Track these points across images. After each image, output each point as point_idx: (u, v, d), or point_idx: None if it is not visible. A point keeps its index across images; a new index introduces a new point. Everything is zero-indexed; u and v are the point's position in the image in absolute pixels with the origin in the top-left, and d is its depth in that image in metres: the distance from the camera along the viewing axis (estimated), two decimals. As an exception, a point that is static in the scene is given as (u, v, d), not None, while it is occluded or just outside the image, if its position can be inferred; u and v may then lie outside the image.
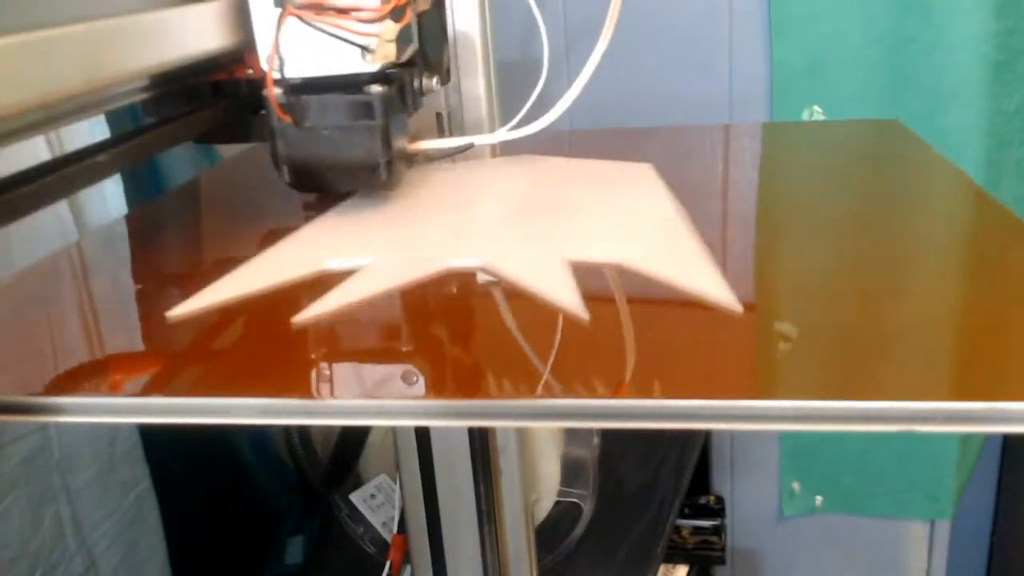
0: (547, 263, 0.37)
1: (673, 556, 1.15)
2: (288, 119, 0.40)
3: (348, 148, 0.41)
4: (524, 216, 0.43)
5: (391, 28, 0.39)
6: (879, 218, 0.44)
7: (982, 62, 0.96)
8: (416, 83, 0.45)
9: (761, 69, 1.05)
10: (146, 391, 0.30)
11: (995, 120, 1.00)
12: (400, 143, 0.43)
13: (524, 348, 0.32)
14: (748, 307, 0.34)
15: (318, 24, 0.39)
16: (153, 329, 0.36)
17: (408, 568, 0.66)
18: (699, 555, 1.18)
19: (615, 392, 0.27)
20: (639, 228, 0.41)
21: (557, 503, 0.82)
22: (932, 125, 1.00)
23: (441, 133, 0.59)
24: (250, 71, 0.43)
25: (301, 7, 0.39)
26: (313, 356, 0.32)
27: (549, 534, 0.83)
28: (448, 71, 0.53)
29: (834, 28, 1.00)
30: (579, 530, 0.84)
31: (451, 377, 0.31)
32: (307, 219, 0.44)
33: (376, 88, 0.40)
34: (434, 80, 0.47)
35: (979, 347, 0.30)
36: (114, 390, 0.31)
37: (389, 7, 0.39)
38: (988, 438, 1.20)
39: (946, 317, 0.33)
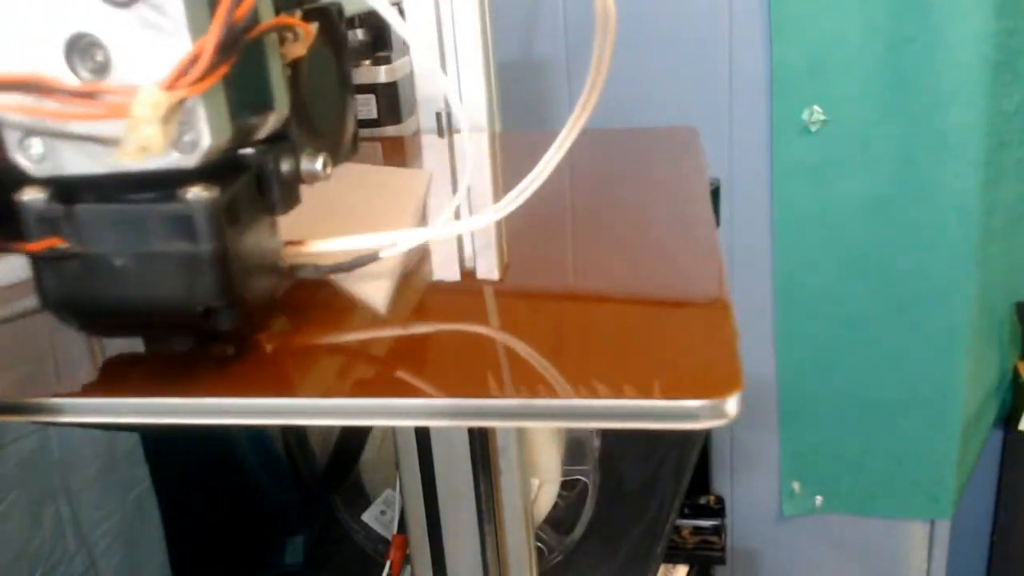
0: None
1: (673, 556, 1.15)
2: (54, 243, 0.26)
3: (161, 288, 0.27)
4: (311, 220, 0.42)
5: (148, 102, 0.24)
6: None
7: (982, 62, 0.97)
8: (287, 167, 0.30)
9: (761, 69, 1.05)
10: (145, 391, 0.30)
11: (995, 120, 1.00)
12: (261, 261, 0.30)
13: (527, 349, 0.32)
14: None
15: (10, 119, 0.25)
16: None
17: (408, 568, 0.66)
18: (699, 555, 1.18)
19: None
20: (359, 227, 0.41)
21: (557, 503, 0.82)
22: (932, 125, 1.00)
23: (440, 134, 0.59)
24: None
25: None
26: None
27: (550, 533, 0.83)
28: (355, 139, 0.38)
29: (834, 28, 1.00)
30: (579, 530, 0.84)
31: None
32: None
33: (198, 193, 0.26)
34: (318, 161, 0.31)
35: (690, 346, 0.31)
36: (114, 390, 0.31)
37: (176, 72, 0.24)
38: (989, 438, 1.20)
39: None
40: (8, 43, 0.25)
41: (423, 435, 0.57)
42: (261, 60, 0.29)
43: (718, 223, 0.54)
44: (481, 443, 0.57)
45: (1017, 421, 1.16)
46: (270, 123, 0.29)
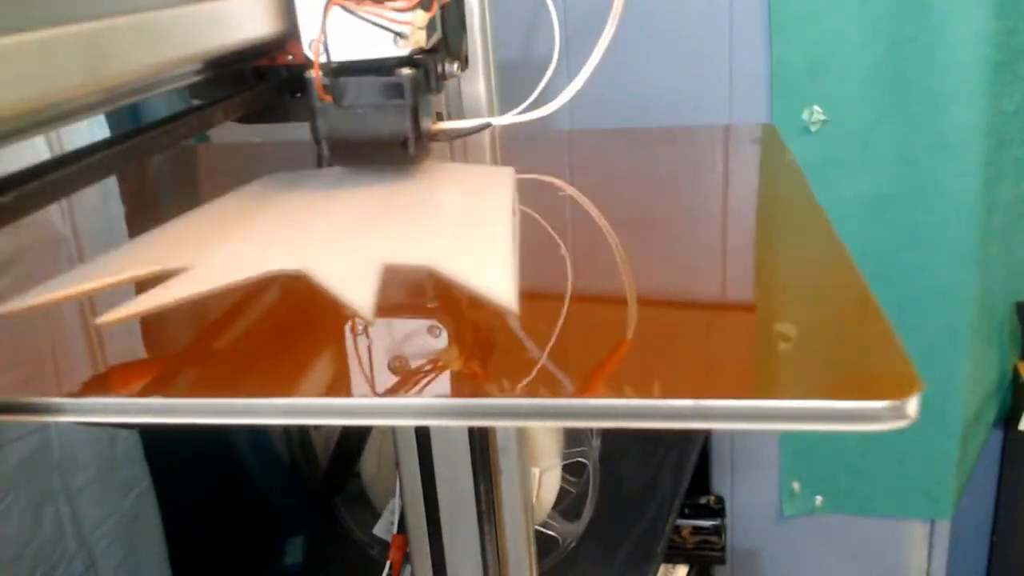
0: (359, 267, 0.38)
1: (673, 556, 1.15)
2: (328, 99, 0.44)
3: (381, 125, 0.45)
4: (362, 222, 0.44)
5: (421, 16, 0.43)
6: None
7: (982, 62, 0.97)
8: (439, 68, 0.49)
9: (761, 69, 1.05)
10: (146, 391, 0.30)
11: (995, 120, 1.00)
12: (426, 121, 0.47)
13: (529, 348, 0.32)
14: (747, 307, 0.34)
15: (358, 12, 0.43)
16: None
17: (408, 568, 0.66)
18: (699, 555, 1.18)
19: (586, 390, 0.28)
20: (460, 233, 0.42)
21: (556, 502, 0.82)
22: (932, 125, 1.00)
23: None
24: (290, 57, 0.47)
25: None
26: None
27: (560, 521, 0.83)
28: (466, 58, 0.57)
29: (834, 28, 1.00)
30: (565, 547, 0.84)
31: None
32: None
33: (406, 71, 0.44)
34: (455, 66, 0.52)
35: (857, 347, 0.30)
36: (114, 390, 0.31)
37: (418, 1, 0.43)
38: (989, 438, 1.20)
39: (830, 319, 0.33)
40: None
41: (423, 435, 0.57)
42: (434, 4, 0.47)
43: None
44: (481, 443, 0.57)
45: (1017, 421, 1.16)
46: (434, 39, 0.48)
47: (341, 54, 0.44)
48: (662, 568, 1.00)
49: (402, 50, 0.44)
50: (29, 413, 0.30)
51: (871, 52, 1.00)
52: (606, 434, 0.92)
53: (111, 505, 0.78)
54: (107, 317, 0.33)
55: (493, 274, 0.37)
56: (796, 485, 1.22)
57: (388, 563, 0.69)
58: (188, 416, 0.29)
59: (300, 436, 0.78)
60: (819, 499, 1.23)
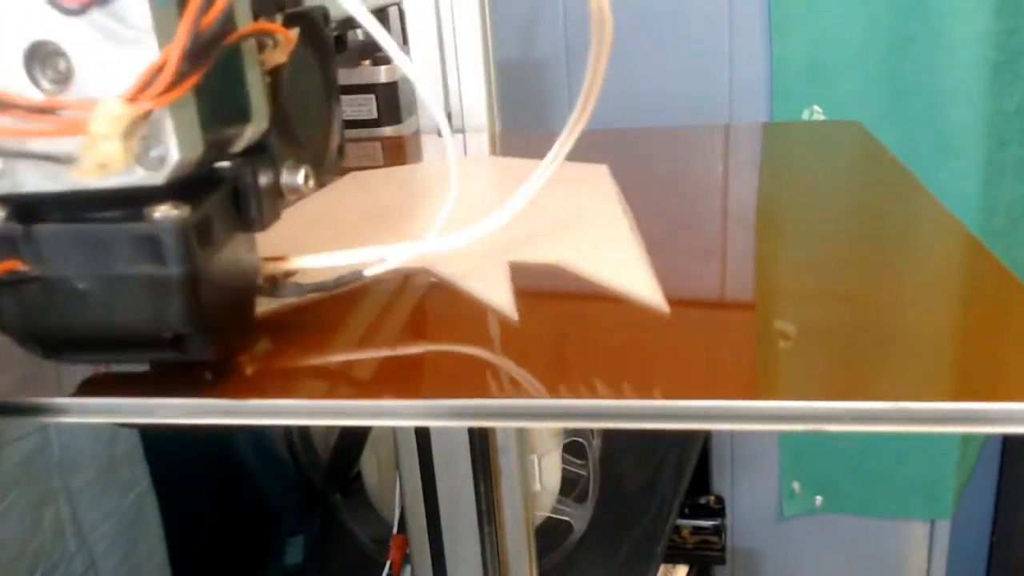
0: (488, 265, 0.37)
1: (673, 556, 1.15)
2: (14, 266, 0.25)
3: (124, 312, 0.25)
4: (473, 218, 0.43)
5: (107, 115, 0.22)
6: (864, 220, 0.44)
7: (982, 62, 0.97)
8: (265, 181, 0.28)
9: (761, 69, 1.05)
10: (146, 391, 0.30)
11: (995, 120, 1.00)
12: (237, 281, 0.28)
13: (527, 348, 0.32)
14: (746, 306, 0.34)
15: None
16: None
17: (408, 568, 0.66)
18: (699, 555, 1.18)
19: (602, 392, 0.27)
20: (580, 230, 0.41)
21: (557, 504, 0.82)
22: (932, 125, 1.00)
23: (440, 133, 0.59)
24: None
25: None
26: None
27: (549, 534, 0.83)
28: (341, 150, 0.36)
29: (834, 28, 1.00)
30: (579, 531, 0.84)
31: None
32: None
33: (166, 212, 0.24)
34: (300, 174, 0.29)
35: (976, 347, 0.30)
36: (114, 390, 0.31)
37: (138, 84, 0.22)
38: (988, 438, 1.20)
39: (943, 318, 0.33)
40: None
41: (423, 435, 0.57)
42: (237, 68, 0.27)
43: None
44: (481, 443, 0.57)
45: (1017, 421, 1.16)
46: (248, 135, 0.28)
47: (35, 182, 0.24)
48: (662, 568, 1.00)
49: (156, 172, 0.23)
50: (29, 413, 0.30)
51: (871, 52, 1.00)
52: (606, 434, 0.92)
53: (111, 505, 0.78)
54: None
55: (631, 272, 0.35)
56: (796, 485, 1.22)
57: (388, 563, 0.69)
58: (189, 416, 0.29)
59: (300, 436, 0.78)
60: (819, 499, 1.23)
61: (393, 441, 0.61)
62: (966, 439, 1.14)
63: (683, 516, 1.16)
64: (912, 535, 1.22)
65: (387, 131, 0.65)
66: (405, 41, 0.59)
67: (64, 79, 0.23)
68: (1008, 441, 1.18)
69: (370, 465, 0.78)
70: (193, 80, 0.23)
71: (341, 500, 0.81)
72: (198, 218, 0.25)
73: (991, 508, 1.22)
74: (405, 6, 0.58)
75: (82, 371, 0.32)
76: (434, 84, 0.58)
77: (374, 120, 0.65)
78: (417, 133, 0.64)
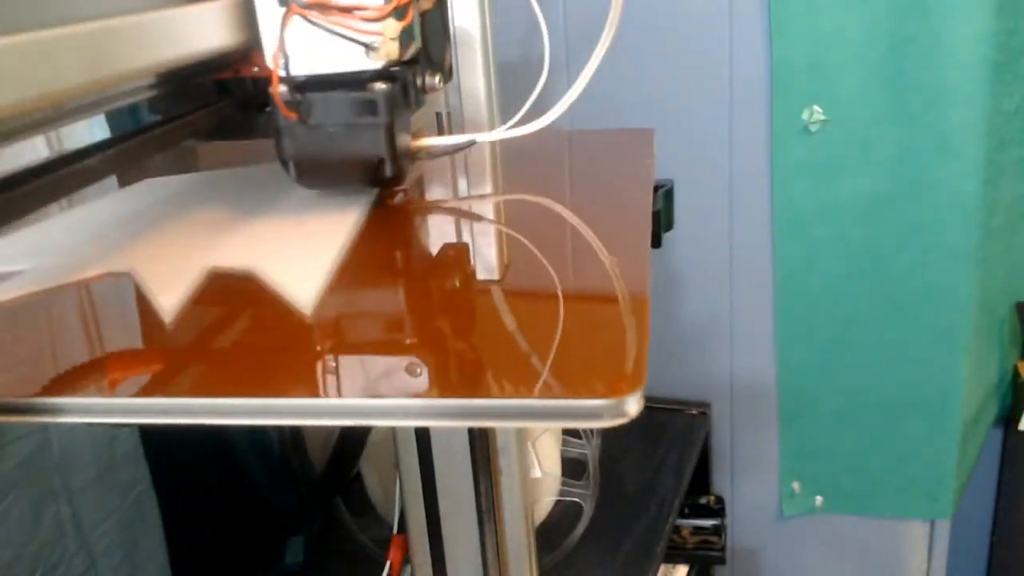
0: (180, 270, 0.39)
1: (673, 556, 1.15)
2: (293, 116, 0.40)
3: (354, 145, 0.41)
4: (208, 228, 0.45)
5: (394, 26, 0.39)
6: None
7: (982, 62, 0.96)
8: (419, 81, 0.45)
9: (761, 69, 1.05)
10: (146, 391, 0.30)
11: (995, 120, 1.00)
12: (404, 139, 0.43)
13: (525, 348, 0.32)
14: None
15: (322, 23, 0.39)
16: None
17: (408, 568, 0.66)
18: (699, 555, 1.18)
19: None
20: (289, 241, 0.44)
21: (557, 503, 0.82)
22: (932, 125, 1.00)
23: (441, 133, 0.59)
24: (255, 69, 0.44)
25: (306, 6, 0.39)
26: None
27: (549, 534, 0.83)
28: (450, 69, 0.53)
29: (834, 28, 1.00)
30: (579, 530, 0.84)
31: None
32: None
33: (380, 86, 0.40)
34: (436, 78, 0.47)
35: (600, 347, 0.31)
36: (115, 390, 0.31)
37: (392, 6, 0.39)
38: (988, 438, 1.20)
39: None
40: None
41: (423, 435, 0.57)
42: (410, 11, 0.42)
43: (671, 224, 0.58)
44: (481, 443, 0.57)
45: (1017, 421, 1.16)
46: (411, 50, 0.44)
47: (307, 67, 0.40)
48: (662, 568, 1.00)
49: (375, 63, 0.40)
50: (29, 413, 0.30)
51: (871, 52, 1.00)
52: (606, 434, 0.93)
53: (111, 505, 0.78)
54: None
55: (302, 279, 0.38)
56: (796, 485, 1.22)
57: (388, 563, 0.69)
58: (188, 416, 0.29)
59: (300, 436, 0.78)
60: (819, 499, 1.23)
61: (393, 441, 0.61)
62: (966, 439, 1.14)
63: (683, 516, 1.16)
64: (912, 535, 1.22)
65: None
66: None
67: None
68: (1008, 441, 1.18)
69: (370, 465, 0.78)
70: (411, 13, 0.41)
71: (341, 500, 0.81)
72: (394, 92, 0.41)
73: (991, 508, 1.22)
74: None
75: (81, 371, 0.32)
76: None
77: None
78: (417, 133, 0.64)
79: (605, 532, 0.89)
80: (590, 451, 0.83)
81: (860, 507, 1.21)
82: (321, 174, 0.43)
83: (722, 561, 1.19)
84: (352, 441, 0.77)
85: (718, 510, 1.21)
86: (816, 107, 1.03)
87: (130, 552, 0.80)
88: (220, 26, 0.40)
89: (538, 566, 0.64)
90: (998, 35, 0.96)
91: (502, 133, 0.47)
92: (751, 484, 1.26)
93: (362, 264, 0.42)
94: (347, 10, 0.39)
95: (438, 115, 0.57)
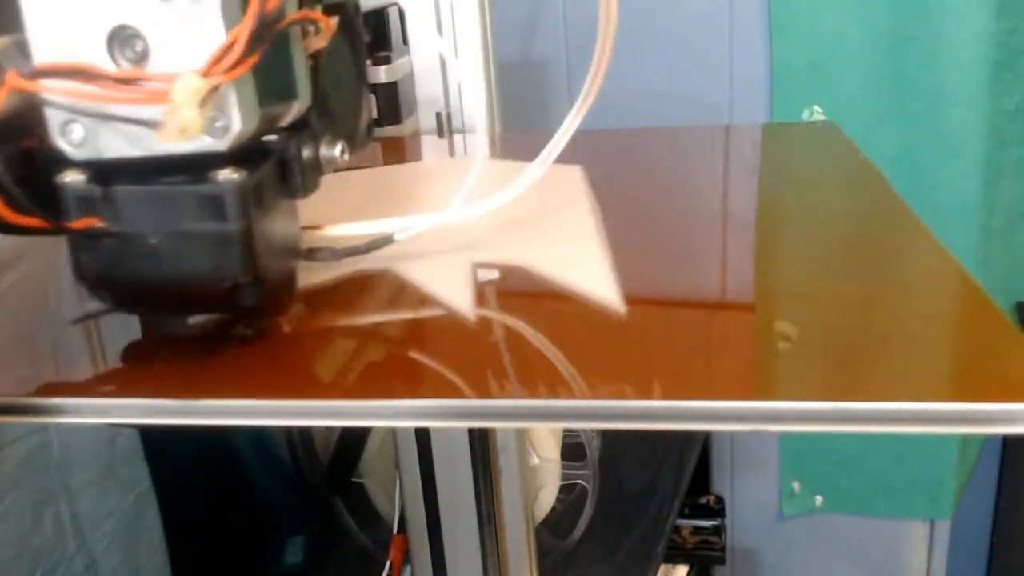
0: (451, 265, 0.37)
1: (673, 556, 1.15)
2: (92, 222, 0.28)
3: (191, 264, 0.29)
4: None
5: (187, 88, 0.25)
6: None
7: (982, 62, 0.96)
8: (308, 153, 0.32)
9: (761, 69, 1.05)
10: (146, 392, 0.30)
11: (995, 120, 1.00)
12: (283, 242, 0.32)
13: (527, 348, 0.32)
14: (746, 307, 0.34)
15: (58, 101, 0.27)
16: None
17: (408, 568, 0.66)
18: (699, 555, 1.18)
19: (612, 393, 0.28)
20: (546, 231, 0.41)
21: (559, 501, 0.82)
22: (932, 125, 1.00)
23: (440, 133, 0.59)
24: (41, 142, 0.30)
25: (34, 75, 0.26)
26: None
27: (549, 534, 0.83)
28: (370, 128, 0.40)
29: (834, 28, 1.00)
30: (579, 530, 0.84)
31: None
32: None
33: (228, 175, 0.28)
34: (337, 148, 0.33)
35: (978, 349, 0.30)
36: (114, 390, 0.31)
37: (212, 60, 0.26)
38: (987, 438, 1.20)
39: (943, 320, 0.33)
40: (54, 35, 0.27)
41: (423, 435, 0.57)
42: (286, 52, 0.30)
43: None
44: (481, 443, 0.57)
45: (1017, 421, 1.16)
46: (293, 112, 0.31)
47: (114, 148, 0.27)
48: (662, 568, 1.00)
49: (220, 140, 0.27)
50: (29, 413, 0.30)
51: (871, 52, 1.00)
52: (606, 434, 0.92)
53: (111, 505, 0.78)
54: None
55: (592, 273, 0.36)
56: (796, 485, 1.22)
57: (388, 563, 0.69)
58: (188, 416, 0.29)
59: (301, 436, 0.78)
60: (819, 499, 1.23)
61: (393, 441, 0.61)
62: (966, 439, 1.14)
63: (683, 516, 1.16)
64: (912, 535, 1.22)
65: (388, 131, 0.65)
66: (405, 41, 0.59)
67: (140, 58, 0.27)
68: (1008, 441, 1.18)
69: (370, 465, 0.78)
70: (255, 59, 0.26)
71: (341, 500, 0.81)
72: (254, 182, 0.28)
73: (991, 508, 1.22)
74: (405, 6, 0.58)
75: (81, 371, 0.32)
76: (434, 84, 0.58)
77: (375, 120, 0.65)
78: (417, 133, 0.64)
79: (605, 532, 0.89)
80: (590, 465, 0.83)
81: (860, 507, 1.21)
82: (146, 302, 0.31)
83: (722, 561, 1.19)
84: (352, 441, 0.77)
85: (718, 510, 1.21)
86: (816, 107, 1.03)
87: (130, 552, 0.80)
88: None
89: (538, 566, 0.64)
90: (998, 35, 0.96)
91: (445, 216, 0.37)
92: (751, 484, 1.26)
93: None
94: (135, 64, 0.26)
95: (438, 115, 0.57)
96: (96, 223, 0.28)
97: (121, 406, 0.29)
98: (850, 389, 0.27)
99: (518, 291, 0.36)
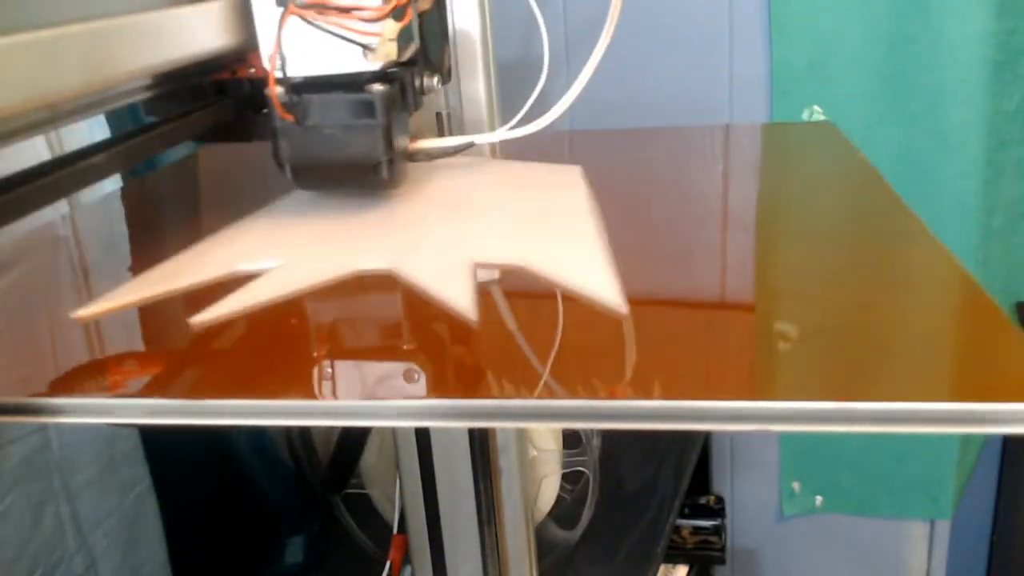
0: (451, 266, 0.38)
1: (673, 556, 1.15)
2: (290, 118, 0.40)
3: (350, 147, 0.41)
4: (441, 219, 0.44)
5: (392, 27, 0.39)
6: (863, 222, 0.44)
7: (982, 62, 0.96)
8: (417, 82, 0.45)
9: (761, 69, 1.05)
10: (146, 392, 0.30)
11: (995, 120, 1.00)
12: (402, 141, 0.43)
13: (525, 349, 0.32)
14: (746, 307, 0.34)
15: (320, 23, 0.39)
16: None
17: (408, 568, 0.66)
18: (699, 555, 1.18)
19: (612, 393, 0.27)
20: (546, 231, 0.42)
21: (559, 500, 0.82)
22: (932, 125, 1.00)
23: (441, 133, 0.59)
24: (252, 70, 0.44)
25: (303, 6, 0.38)
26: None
27: (549, 534, 0.83)
28: (449, 70, 0.53)
29: (834, 28, 1.00)
30: (579, 530, 0.84)
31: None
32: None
33: (377, 87, 0.40)
34: (435, 79, 0.47)
35: (978, 349, 0.30)
36: (114, 390, 0.31)
37: (390, 6, 0.39)
38: (988, 438, 1.20)
39: (942, 319, 0.33)
40: None
41: (423, 435, 0.57)
42: (409, 12, 0.42)
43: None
44: (481, 443, 0.57)
45: (1017, 421, 1.16)
46: (410, 51, 0.44)
47: (304, 68, 0.40)
48: (662, 568, 1.00)
49: (373, 64, 0.40)
50: (29, 413, 0.30)
51: (871, 52, 1.00)
52: (606, 434, 0.92)
53: (111, 505, 0.78)
54: (199, 318, 0.34)
55: (593, 273, 0.36)
56: (796, 485, 1.22)
57: (388, 563, 0.69)
58: (188, 416, 0.29)
59: (301, 436, 0.78)
60: (819, 499, 1.23)
61: (393, 441, 0.61)
62: (966, 439, 1.14)
63: (683, 516, 1.16)
64: (912, 535, 1.22)
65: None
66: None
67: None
68: (1008, 441, 1.18)
69: (370, 465, 0.78)
70: (410, 14, 0.42)
71: (341, 500, 0.81)
72: (392, 93, 0.41)
73: (991, 508, 1.22)
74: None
75: (81, 371, 0.32)
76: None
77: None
78: (417, 134, 0.64)
79: (605, 532, 0.89)
80: (590, 465, 0.83)
81: (860, 507, 1.21)
82: (318, 176, 0.43)
83: (722, 561, 1.19)
84: (352, 441, 0.77)
85: (718, 510, 1.21)
86: (816, 107, 1.03)
87: (130, 552, 0.80)
88: (216, 27, 0.40)
89: (538, 566, 0.64)
90: (998, 35, 0.96)
91: (503, 134, 0.46)
92: (751, 484, 1.26)
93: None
94: (345, 10, 0.39)
95: (438, 115, 0.57)
96: (292, 118, 0.40)
97: (121, 406, 0.29)
98: (850, 389, 0.27)
99: (518, 291, 0.36)
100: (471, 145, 0.48)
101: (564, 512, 0.84)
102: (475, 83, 0.57)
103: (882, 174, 0.46)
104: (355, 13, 0.39)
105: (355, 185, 0.45)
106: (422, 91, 0.46)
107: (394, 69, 0.42)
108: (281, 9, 0.39)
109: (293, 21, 0.39)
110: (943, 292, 0.35)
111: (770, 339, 0.31)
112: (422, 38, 0.46)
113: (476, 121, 0.57)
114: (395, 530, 0.68)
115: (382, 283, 0.37)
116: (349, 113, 0.40)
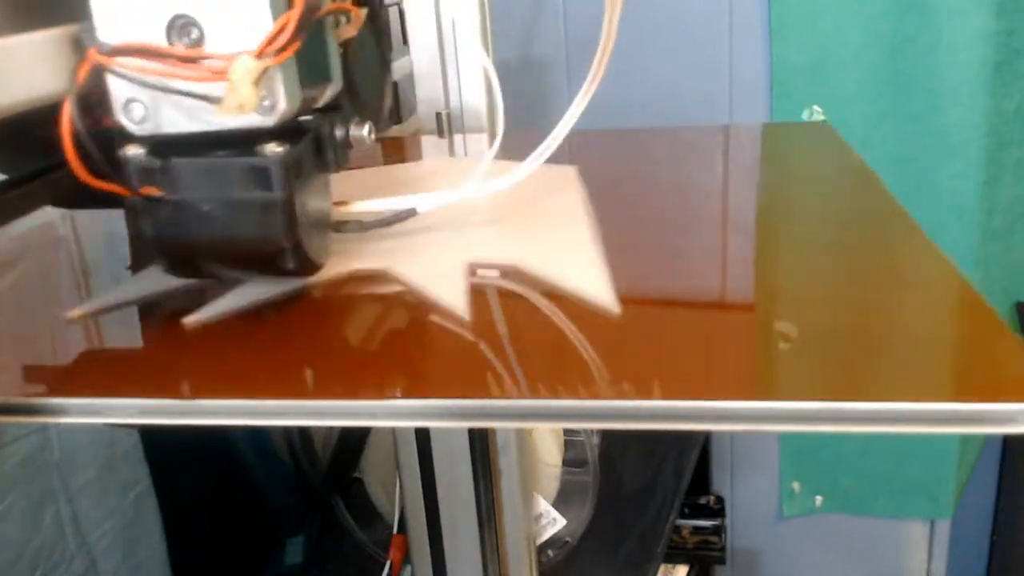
0: (445, 266, 0.37)
1: (673, 556, 1.15)
2: (154, 191, 0.31)
3: (238, 228, 0.31)
4: (435, 220, 0.43)
5: (244, 67, 0.28)
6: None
7: (982, 62, 0.97)
8: (339, 133, 0.34)
9: (761, 69, 1.05)
10: (146, 392, 0.30)
11: (995, 120, 1.00)
12: (317, 213, 0.34)
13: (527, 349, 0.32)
14: (746, 307, 0.34)
15: (129, 76, 0.30)
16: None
17: (408, 568, 0.66)
18: (699, 555, 1.18)
19: (613, 393, 0.27)
20: (541, 231, 0.41)
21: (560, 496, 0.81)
22: (932, 125, 1.00)
23: (440, 134, 0.59)
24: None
25: (111, 52, 0.29)
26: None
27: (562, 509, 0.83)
28: (392, 112, 0.44)
29: (834, 28, 1.00)
30: (579, 530, 0.84)
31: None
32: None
33: (273, 148, 0.30)
34: (365, 128, 0.35)
35: (976, 349, 0.30)
36: (114, 390, 0.31)
37: (264, 43, 0.29)
38: (988, 438, 1.20)
39: (940, 320, 0.33)
40: (118, 25, 0.30)
41: (423, 435, 0.57)
42: (322, 39, 0.33)
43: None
44: (481, 443, 0.57)
45: (1017, 421, 1.16)
46: (326, 94, 0.34)
47: (172, 123, 0.30)
48: (662, 568, 1.00)
49: (268, 117, 0.30)
50: (29, 413, 0.30)
51: (871, 52, 1.00)
52: (606, 434, 0.92)
53: (111, 505, 0.78)
54: (192, 318, 0.33)
55: (587, 274, 0.36)
56: (796, 485, 1.22)
57: (388, 563, 0.69)
58: (187, 416, 0.29)
59: (301, 436, 0.78)
60: (819, 499, 1.23)
61: (393, 441, 0.61)
62: (966, 439, 1.14)
63: (683, 516, 1.16)
64: (912, 535, 1.22)
65: (388, 131, 0.65)
66: (405, 41, 0.59)
67: (195, 44, 0.30)
68: (1008, 441, 1.18)
69: (370, 465, 0.78)
70: (298, 44, 0.29)
71: (341, 500, 0.81)
72: (295, 155, 0.31)
73: (991, 508, 1.22)
74: (405, 6, 0.58)
75: (81, 372, 0.32)
76: (434, 84, 0.58)
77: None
78: (417, 133, 0.64)
79: (605, 532, 0.89)
80: (590, 465, 0.83)
81: (860, 507, 1.21)
82: (197, 264, 0.33)
83: (722, 561, 1.19)
84: (352, 441, 0.77)
85: (718, 510, 1.21)
86: (816, 107, 1.03)
87: (130, 552, 0.80)
88: (49, 64, 0.30)
89: (538, 566, 0.64)
90: (998, 35, 0.96)
91: (436, 200, 0.40)
92: (751, 484, 1.26)
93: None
94: (193, 47, 0.29)
95: (438, 115, 0.57)
96: (155, 192, 0.31)
97: (121, 406, 0.29)
98: (850, 389, 0.27)
99: (517, 292, 0.36)
100: (413, 213, 0.39)
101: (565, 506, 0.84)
102: (475, 83, 0.57)
103: (881, 174, 0.46)
104: (198, 48, 0.29)
105: (250, 275, 0.35)
106: (348, 144, 0.35)
107: (308, 117, 0.33)
108: (78, 58, 0.29)
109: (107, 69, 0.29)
110: (937, 293, 0.35)
111: (770, 339, 0.31)
112: (347, 75, 0.35)
113: (476, 121, 0.57)
114: (395, 530, 0.68)
115: (378, 282, 0.37)
116: (235, 184, 0.31)
